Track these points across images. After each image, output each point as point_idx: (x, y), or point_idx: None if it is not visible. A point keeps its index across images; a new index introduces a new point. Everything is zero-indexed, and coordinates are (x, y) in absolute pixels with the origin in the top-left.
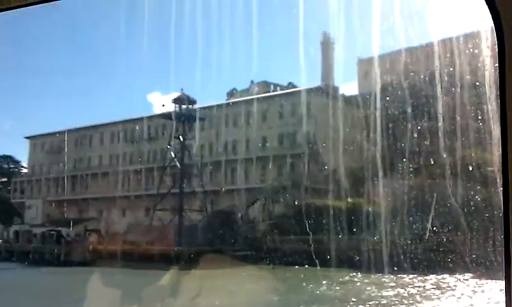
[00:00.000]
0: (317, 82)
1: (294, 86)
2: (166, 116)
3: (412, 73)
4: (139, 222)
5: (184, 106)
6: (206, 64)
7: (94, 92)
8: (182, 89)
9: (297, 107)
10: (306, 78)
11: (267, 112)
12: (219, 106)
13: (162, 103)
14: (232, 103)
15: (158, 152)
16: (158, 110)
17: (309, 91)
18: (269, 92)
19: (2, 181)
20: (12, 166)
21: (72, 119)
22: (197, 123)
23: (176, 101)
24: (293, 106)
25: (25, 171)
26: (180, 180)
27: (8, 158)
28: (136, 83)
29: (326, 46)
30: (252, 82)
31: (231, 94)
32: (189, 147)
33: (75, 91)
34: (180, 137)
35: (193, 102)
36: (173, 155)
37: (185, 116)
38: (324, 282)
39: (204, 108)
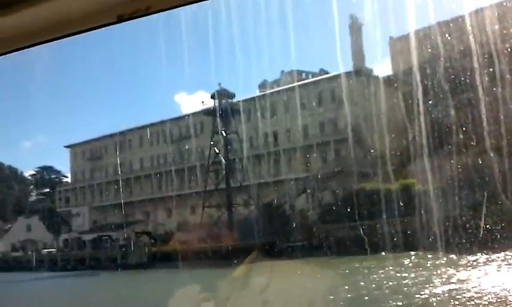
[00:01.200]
0: (348, 66)
1: (326, 72)
2: (207, 112)
3: (448, 47)
4: (186, 221)
5: (223, 101)
6: (232, 59)
7: (119, 98)
8: (219, 84)
9: (334, 93)
10: (337, 64)
11: (305, 99)
12: (257, 98)
13: (201, 100)
14: (270, 94)
15: (199, 150)
16: (186, 110)
17: (345, 75)
18: (301, 80)
19: (45, 192)
20: (53, 176)
21: (101, 128)
22: (239, 117)
23: (215, 96)
24: (331, 92)
25: (66, 180)
26: (226, 175)
27: (49, 169)
28: (160, 86)
29: (355, 29)
30: (283, 71)
31: (262, 86)
32: (231, 141)
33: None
34: (223, 132)
35: (232, 96)
36: (216, 150)
37: (225, 110)
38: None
39: (243, 101)
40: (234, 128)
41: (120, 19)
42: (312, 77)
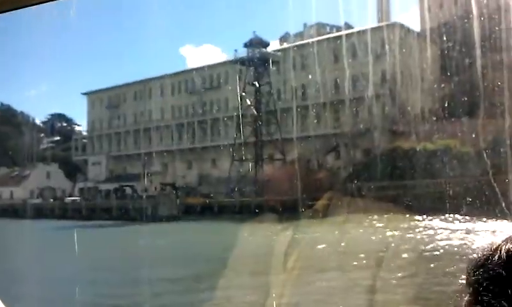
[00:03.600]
0: (371, 20)
1: (350, 26)
2: (238, 61)
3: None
4: (209, 174)
5: (257, 50)
6: (247, 11)
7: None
8: (254, 32)
9: (367, 47)
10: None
11: (337, 53)
12: (287, 49)
13: (234, 48)
14: (300, 46)
15: (221, 101)
16: (192, 63)
17: (377, 28)
18: (325, 34)
19: (57, 140)
20: (65, 125)
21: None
22: (273, 67)
23: (250, 45)
24: (363, 45)
25: (78, 128)
26: (256, 128)
27: (61, 117)
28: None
29: None
30: (306, 24)
31: (284, 39)
32: (263, 93)
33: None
34: (256, 83)
35: (267, 45)
36: (248, 102)
37: (259, 59)
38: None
39: (275, 51)
40: (267, 79)
41: None
42: (336, 31)
